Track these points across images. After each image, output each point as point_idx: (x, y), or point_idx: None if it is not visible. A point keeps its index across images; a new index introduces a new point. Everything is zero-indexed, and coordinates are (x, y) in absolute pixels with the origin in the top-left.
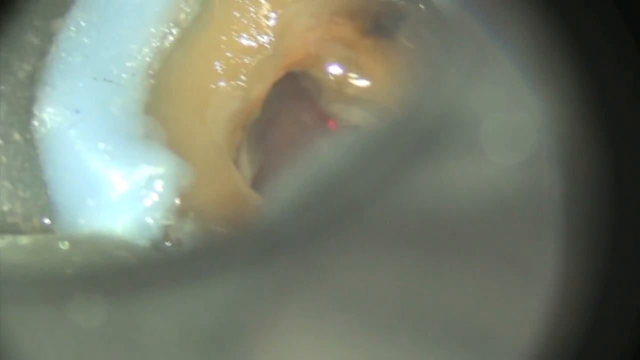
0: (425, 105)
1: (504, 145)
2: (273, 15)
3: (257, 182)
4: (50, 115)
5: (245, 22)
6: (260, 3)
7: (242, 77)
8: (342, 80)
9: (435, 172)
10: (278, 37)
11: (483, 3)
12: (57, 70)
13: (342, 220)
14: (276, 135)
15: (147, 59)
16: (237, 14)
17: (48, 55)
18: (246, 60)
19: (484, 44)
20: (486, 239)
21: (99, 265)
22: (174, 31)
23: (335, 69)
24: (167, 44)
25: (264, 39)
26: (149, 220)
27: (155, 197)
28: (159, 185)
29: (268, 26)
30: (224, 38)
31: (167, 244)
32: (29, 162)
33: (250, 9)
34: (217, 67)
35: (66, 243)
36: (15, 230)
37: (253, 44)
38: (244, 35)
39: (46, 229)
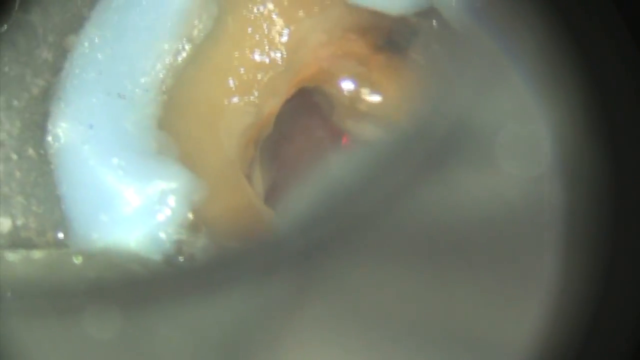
0: (435, 119)
1: (513, 157)
2: (285, 31)
3: (270, 197)
4: (64, 131)
5: (258, 38)
6: (273, 19)
7: (255, 92)
8: (354, 96)
9: (443, 185)
10: (290, 53)
11: (493, 18)
12: (71, 86)
13: (353, 234)
14: (289, 150)
15: (160, 74)
16: (250, 30)
17: (62, 71)
18: (259, 76)
19: (493, 59)
20: (493, 250)
21: (112, 279)
22: (187, 47)
23: (347, 85)
24: (180, 60)
25: (277, 55)
26: (162, 235)
27: (168, 212)
28: (171, 200)
29: (281, 42)
30: (236, 54)
31: (180, 258)
32: (42, 178)
33: (263, 25)
34: (230, 83)
35: (80, 258)
36: (28, 244)
37: (266, 59)
38: (257, 51)
39: (60, 244)
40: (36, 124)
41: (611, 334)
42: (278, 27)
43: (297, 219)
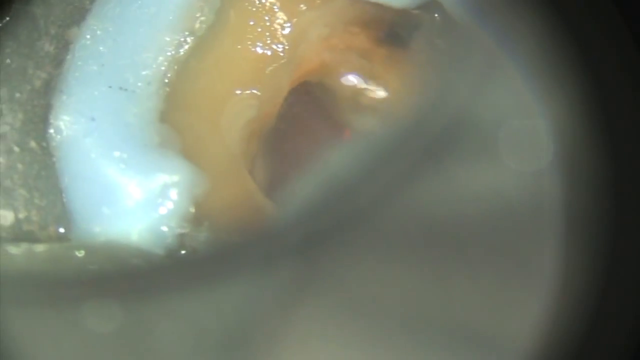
0: (434, 113)
1: (511, 153)
2: (288, 24)
3: (272, 191)
4: (66, 123)
5: (260, 30)
6: (275, 12)
7: (257, 85)
8: (356, 90)
9: (442, 179)
10: (292, 46)
11: (493, 16)
12: (73, 78)
13: (351, 228)
14: (291, 144)
15: (163, 67)
16: (252, 23)
17: (64, 64)
18: (260, 69)
19: (493, 54)
20: (491, 245)
21: (113, 272)
22: (189, 40)
23: (349, 78)
24: (182, 52)
25: (279, 48)
26: (164, 229)
27: (170, 205)
28: (174, 193)
29: (283, 35)
30: (238, 47)
31: (182, 252)
32: (45, 170)
33: (265, 17)
34: (232, 76)
35: (82, 251)
36: (31, 238)
37: (268, 52)
38: (259, 44)
39: (62, 237)
40: (38, 117)
41: (611, 333)
42: (280, 20)
43: (297, 213)
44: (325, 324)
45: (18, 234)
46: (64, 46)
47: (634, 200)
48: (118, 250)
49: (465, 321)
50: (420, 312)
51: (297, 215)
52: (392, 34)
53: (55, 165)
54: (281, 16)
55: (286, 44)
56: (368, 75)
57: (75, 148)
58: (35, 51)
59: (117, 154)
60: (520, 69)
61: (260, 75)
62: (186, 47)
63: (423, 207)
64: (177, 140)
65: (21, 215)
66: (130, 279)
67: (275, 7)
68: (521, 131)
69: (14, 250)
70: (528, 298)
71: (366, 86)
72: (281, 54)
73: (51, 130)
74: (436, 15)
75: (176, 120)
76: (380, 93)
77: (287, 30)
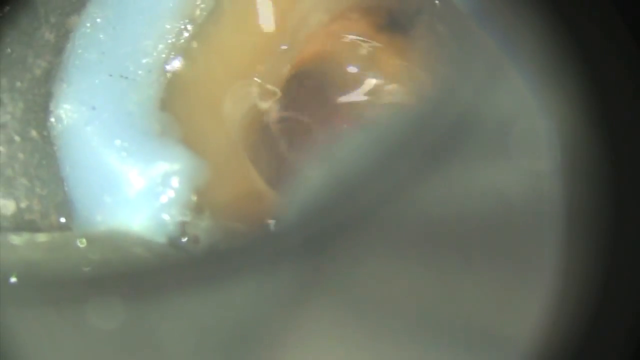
0: (440, 113)
1: (513, 153)
2: (287, 11)
3: (274, 179)
4: (67, 112)
5: (260, 18)
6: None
7: (258, 73)
8: (357, 77)
9: (444, 179)
10: (292, 33)
11: (494, 16)
12: (73, 66)
13: (357, 226)
14: (292, 132)
15: (163, 55)
16: (251, 10)
17: (64, 52)
18: (261, 57)
19: (497, 55)
20: (492, 245)
21: (116, 262)
22: (189, 27)
23: (350, 65)
24: (182, 40)
25: (279, 35)
26: (166, 217)
27: (171, 194)
28: (175, 181)
29: (282, 22)
30: (238, 34)
31: (184, 240)
32: (46, 159)
33: (265, 4)
34: (232, 64)
35: (84, 241)
36: (32, 227)
37: (268, 40)
38: (259, 31)
39: (63, 226)
40: (39, 106)
41: (611, 333)
42: (279, 7)
43: (300, 212)
44: (329, 323)
45: (20, 223)
46: (64, 34)
47: (635, 200)
48: (120, 239)
49: (468, 321)
50: (424, 312)
51: (300, 214)
52: (392, 20)
53: (56, 154)
54: (281, 3)
55: (286, 31)
56: (369, 62)
57: (76, 137)
58: (36, 40)
59: (118, 142)
60: (523, 70)
61: (260, 62)
62: (186, 34)
63: (425, 207)
64: (178, 129)
65: (23, 205)
66: (133, 271)
67: None
68: (524, 132)
69: (15, 240)
70: (529, 297)
71: (367, 73)
72: (281, 41)
73: (52, 119)
74: (436, 1)
75: (177, 109)
76: (381, 80)
77: (287, 17)
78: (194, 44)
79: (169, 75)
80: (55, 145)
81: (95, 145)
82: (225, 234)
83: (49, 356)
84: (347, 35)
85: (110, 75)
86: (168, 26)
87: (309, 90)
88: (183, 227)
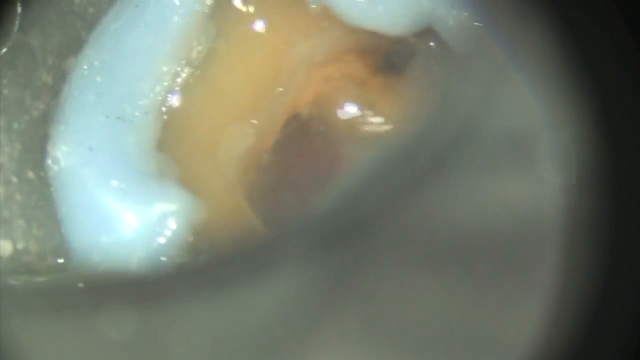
0: (443, 123)
1: (515, 164)
2: (283, 53)
3: (270, 220)
4: (64, 153)
5: (256, 60)
6: (271, 42)
7: (254, 115)
8: (353, 119)
9: (446, 190)
10: (288, 75)
11: (501, 23)
12: (70, 108)
13: (359, 238)
14: (289, 174)
15: (160, 97)
16: (248, 53)
17: (61, 94)
18: (257, 99)
19: (501, 64)
20: (495, 255)
21: (121, 279)
22: (186, 69)
23: (346, 108)
24: (179, 82)
25: (275, 77)
26: (163, 259)
27: (168, 234)
28: (172, 222)
29: (278, 64)
30: (235, 76)
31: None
32: (43, 200)
33: (261, 47)
34: (229, 105)
35: (81, 284)
36: (30, 269)
37: (264, 82)
38: (255, 73)
39: (61, 268)
40: (36, 147)
41: (611, 334)
42: (275, 49)
43: (300, 224)
44: (337, 334)
45: (17, 265)
46: (61, 76)
47: (635, 202)
48: (117, 281)
49: (471, 328)
50: (426, 320)
51: (301, 226)
52: (388, 62)
53: (53, 195)
54: (277, 46)
55: (282, 73)
56: (364, 104)
57: (73, 178)
58: (33, 82)
59: (115, 183)
60: (527, 79)
61: (257, 105)
62: (183, 76)
63: (428, 220)
64: (175, 169)
65: (20, 246)
66: (136, 288)
67: (271, 37)
68: (525, 143)
69: (13, 281)
70: (529, 301)
71: (363, 115)
72: (277, 83)
73: (49, 161)
74: (432, 43)
75: (174, 150)
76: (377, 122)
77: (283, 60)
78: (191, 86)
79: (165, 116)
80: (52, 187)
81: (92, 186)
82: (224, 260)
83: None
84: (342, 78)
85: (107, 117)
86: (165, 68)
87: (305, 132)
88: (180, 269)
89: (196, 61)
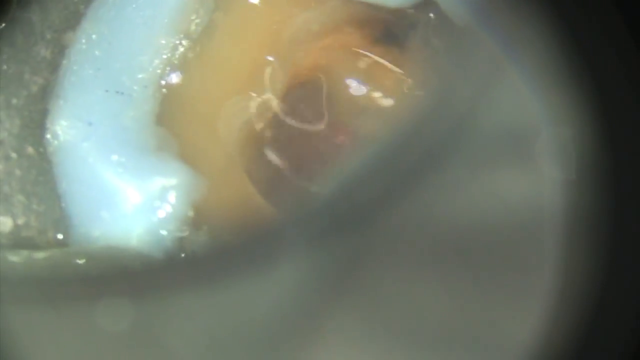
0: (438, 117)
1: (512, 159)
2: (281, 25)
3: (271, 193)
4: (63, 128)
5: (254, 33)
6: (269, 14)
7: (253, 87)
8: (353, 89)
9: (442, 186)
10: (287, 47)
11: (492, 17)
12: (69, 83)
13: (354, 231)
14: (289, 146)
15: (158, 70)
16: (246, 25)
17: (60, 69)
18: (256, 71)
19: (493, 58)
20: (492, 247)
21: (115, 278)
22: (185, 42)
23: (345, 79)
24: (177, 55)
25: (274, 50)
26: (163, 232)
27: (168, 209)
28: (172, 196)
29: (277, 37)
30: (233, 49)
31: (182, 255)
32: (42, 176)
33: (259, 20)
34: (228, 78)
35: (82, 258)
36: (30, 244)
37: (263, 54)
38: (254, 46)
39: (61, 243)
40: (35, 122)
41: (611, 334)
42: (273, 21)
43: (297, 216)
44: (336, 327)
45: (17, 240)
46: (60, 51)
47: (634, 201)
48: (118, 255)
49: (469, 328)
50: (426, 323)
51: (299, 216)
52: (387, 33)
53: (52, 171)
54: (275, 17)
55: (281, 45)
56: (364, 76)
57: (72, 153)
58: (32, 56)
59: (114, 157)
60: (523, 74)
61: (256, 77)
62: (182, 49)
63: (424, 215)
64: (175, 144)
65: (20, 222)
66: (133, 279)
67: (269, 8)
68: (522, 138)
69: (13, 257)
70: (529, 300)
71: (362, 87)
72: (275, 55)
73: (48, 136)
74: (431, 14)
75: (173, 124)
76: (377, 93)
77: (281, 32)
78: (190, 59)
79: (164, 90)
80: (51, 162)
81: (91, 161)
82: (222, 249)
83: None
84: (341, 49)
85: (106, 91)
86: (163, 41)
87: (304, 104)
88: (181, 243)
89: (194, 34)
